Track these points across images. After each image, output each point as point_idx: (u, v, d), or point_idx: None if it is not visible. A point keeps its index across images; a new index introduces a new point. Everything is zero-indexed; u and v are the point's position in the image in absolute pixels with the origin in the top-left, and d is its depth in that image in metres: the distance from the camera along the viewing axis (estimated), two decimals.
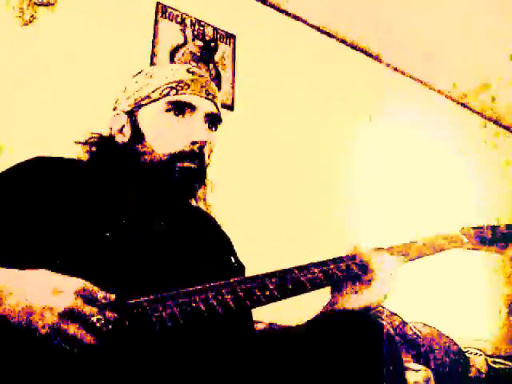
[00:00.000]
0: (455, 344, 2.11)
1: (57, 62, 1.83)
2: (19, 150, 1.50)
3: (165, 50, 2.17)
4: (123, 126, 1.00)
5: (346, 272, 0.91)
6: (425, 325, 2.13)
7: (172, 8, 2.25)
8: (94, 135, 1.03)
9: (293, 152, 2.42)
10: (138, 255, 0.86)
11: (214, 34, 2.36)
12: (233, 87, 2.32)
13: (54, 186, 0.89)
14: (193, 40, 2.28)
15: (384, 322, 1.92)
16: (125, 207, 0.93)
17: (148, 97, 0.98)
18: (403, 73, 3.12)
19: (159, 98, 0.97)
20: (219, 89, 2.28)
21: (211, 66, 2.30)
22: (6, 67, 1.72)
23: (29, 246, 0.79)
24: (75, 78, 1.82)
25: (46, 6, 1.86)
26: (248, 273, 0.89)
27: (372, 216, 2.53)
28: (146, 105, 0.98)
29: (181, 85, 0.98)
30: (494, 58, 2.95)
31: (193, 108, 0.97)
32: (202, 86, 1.00)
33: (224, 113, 2.22)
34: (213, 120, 1.02)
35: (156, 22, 2.18)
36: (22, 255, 0.75)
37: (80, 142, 1.02)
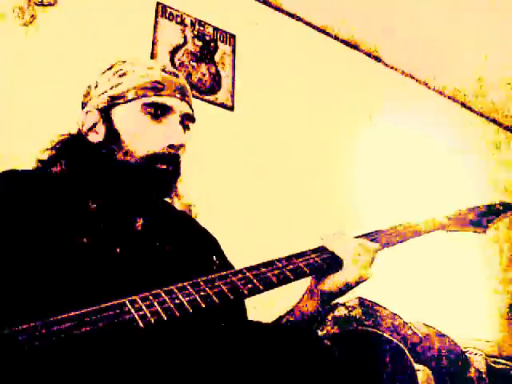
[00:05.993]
0: (455, 344, 2.11)
1: (57, 62, 1.83)
2: (19, 150, 1.50)
3: (165, 50, 2.17)
4: (95, 124, 0.99)
5: (322, 262, 0.96)
6: (425, 325, 2.13)
7: (172, 8, 2.25)
8: (63, 137, 1.02)
9: (293, 152, 2.42)
10: (118, 258, 0.86)
11: (214, 34, 2.36)
12: (233, 87, 2.32)
13: (25, 199, 0.86)
14: (193, 40, 2.28)
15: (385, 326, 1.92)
16: (102, 210, 0.92)
17: (123, 96, 0.97)
18: (403, 72, 3.13)
19: (135, 99, 0.96)
20: (219, 89, 2.28)
21: (211, 65, 2.30)
22: (5, 67, 1.72)
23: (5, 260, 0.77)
24: (75, 77, 1.81)
25: (46, 6, 1.86)
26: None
27: (371, 213, 2.53)
28: (121, 104, 0.97)
29: (157, 86, 0.97)
30: (494, 58, 2.95)
31: (169, 110, 0.97)
32: (177, 87, 0.99)
33: (224, 113, 2.25)
34: (187, 120, 1.02)
35: (156, 22, 2.18)
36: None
37: (48, 149, 1.01)
